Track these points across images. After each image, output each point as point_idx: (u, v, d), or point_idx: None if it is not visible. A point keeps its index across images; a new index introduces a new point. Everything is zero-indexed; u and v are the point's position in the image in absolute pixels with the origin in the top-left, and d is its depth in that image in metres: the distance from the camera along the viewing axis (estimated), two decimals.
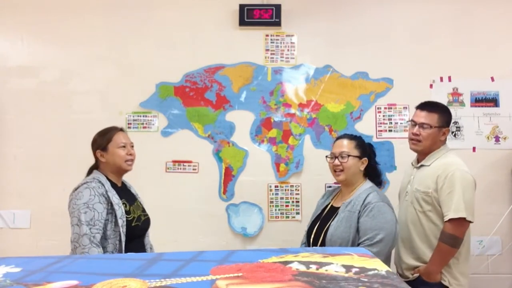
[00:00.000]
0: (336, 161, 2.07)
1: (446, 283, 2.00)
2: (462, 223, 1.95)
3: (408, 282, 2.05)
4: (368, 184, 2.08)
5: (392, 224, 1.94)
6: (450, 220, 1.94)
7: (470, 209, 1.96)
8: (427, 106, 2.13)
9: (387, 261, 1.97)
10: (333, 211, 2.08)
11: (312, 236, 2.08)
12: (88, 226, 1.79)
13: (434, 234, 2.02)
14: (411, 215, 2.11)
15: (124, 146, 1.98)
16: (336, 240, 1.95)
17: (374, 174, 2.16)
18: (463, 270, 2.04)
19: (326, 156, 2.17)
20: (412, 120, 2.16)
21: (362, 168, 2.08)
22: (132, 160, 2.02)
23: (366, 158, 2.09)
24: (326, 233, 2.00)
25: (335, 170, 2.09)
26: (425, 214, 2.05)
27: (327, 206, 2.17)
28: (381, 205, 1.96)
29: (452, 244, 1.96)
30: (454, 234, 1.95)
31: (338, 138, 2.18)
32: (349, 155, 2.05)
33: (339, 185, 2.19)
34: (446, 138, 2.15)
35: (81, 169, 2.05)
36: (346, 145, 2.08)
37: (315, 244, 2.05)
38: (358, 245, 1.93)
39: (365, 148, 2.12)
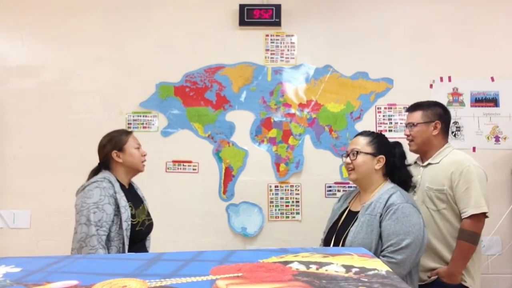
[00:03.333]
0: (348, 159, 1.90)
1: (467, 284, 1.97)
2: (481, 218, 1.95)
3: (425, 285, 2.01)
4: (389, 185, 1.86)
5: (419, 228, 1.72)
6: (471, 216, 1.93)
7: (488, 204, 1.96)
8: (411, 107, 2.20)
9: (415, 269, 1.80)
10: (352, 216, 1.87)
11: (332, 244, 1.88)
12: (96, 227, 1.77)
13: (449, 233, 2.00)
14: (424, 214, 2.02)
15: (138, 148, 2.03)
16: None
17: (396, 175, 1.89)
18: (477, 270, 2.02)
19: (342, 155, 2.09)
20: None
21: (378, 167, 1.85)
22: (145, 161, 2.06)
23: (382, 156, 1.86)
24: (345, 240, 1.80)
25: (347, 169, 1.92)
26: (439, 212, 2.02)
27: (344, 211, 1.96)
28: (406, 206, 1.73)
29: (473, 242, 1.94)
30: (474, 230, 1.94)
31: (356, 135, 1.99)
32: (359, 152, 1.86)
33: (341, 185, 2.14)
34: (441, 132, 2.11)
35: (81, 169, 2.04)
36: (359, 142, 1.90)
37: None
38: (382, 251, 1.72)
39: (383, 145, 1.89)
